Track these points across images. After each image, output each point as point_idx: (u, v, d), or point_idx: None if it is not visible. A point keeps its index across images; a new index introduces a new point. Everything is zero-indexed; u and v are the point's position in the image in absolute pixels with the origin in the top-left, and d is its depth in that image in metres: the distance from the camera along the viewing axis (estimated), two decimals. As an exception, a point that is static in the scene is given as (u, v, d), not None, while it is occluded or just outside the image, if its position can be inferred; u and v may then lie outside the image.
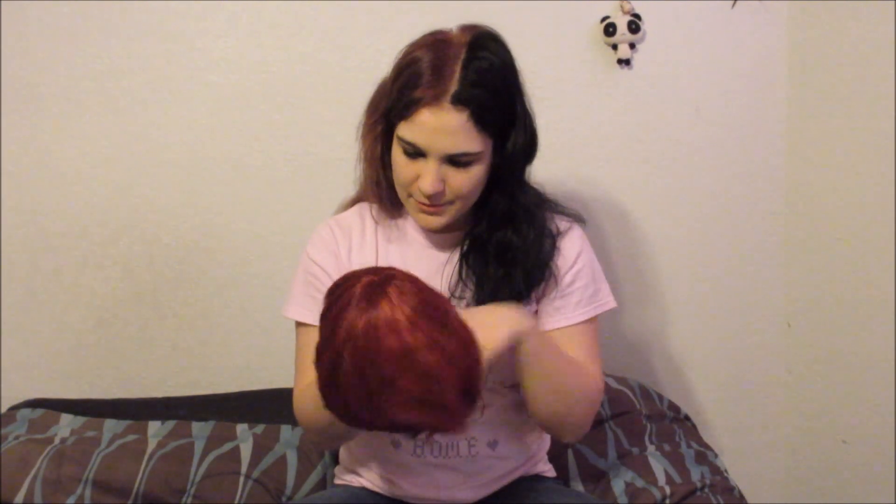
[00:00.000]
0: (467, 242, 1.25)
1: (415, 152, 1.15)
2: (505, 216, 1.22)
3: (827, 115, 1.81)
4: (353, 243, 1.28)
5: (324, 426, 1.16)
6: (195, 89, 1.76)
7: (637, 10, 1.78)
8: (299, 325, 1.26)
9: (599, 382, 1.26)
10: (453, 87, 1.11)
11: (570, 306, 1.25)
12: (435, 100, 1.10)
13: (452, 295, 1.23)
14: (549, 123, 1.78)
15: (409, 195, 1.19)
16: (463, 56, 1.12)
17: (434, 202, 1.17)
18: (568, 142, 1.83)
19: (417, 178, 1.16)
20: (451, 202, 1.18)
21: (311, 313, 1.23)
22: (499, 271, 1.22)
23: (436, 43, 1.15)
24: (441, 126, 1.11)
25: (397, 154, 1.18)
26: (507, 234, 1.22)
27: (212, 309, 1.83)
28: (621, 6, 1.78)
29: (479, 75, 1.12)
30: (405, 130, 1.14)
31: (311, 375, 1.15)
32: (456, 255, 1.26)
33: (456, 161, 1.14)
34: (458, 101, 1.10)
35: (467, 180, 1.16)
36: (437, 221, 1.20)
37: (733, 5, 1.83)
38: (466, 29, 1.17)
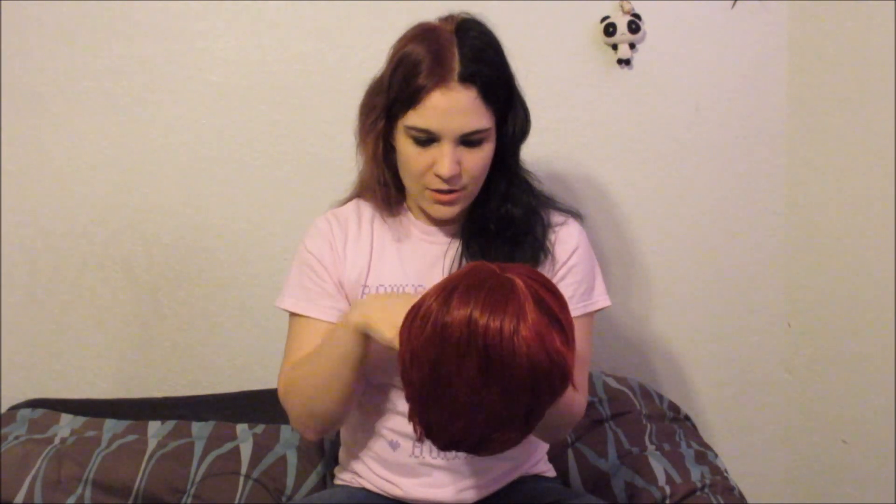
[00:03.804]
0: (469, 227, 1.26)
1: (427, 139, 1.16)
2: (505, 194, 1.25)
3: (827, 115, 1.81)
4: (350, 236, 1.29)
5: (305, 400, 1.18)
6: (195, 89, 1.76)
7: (637, 10, 1.78)
8: (292, 315, 1.27)
9: (578, 400, 1.23)
10: (456, 66, 1.13)
11: None
12: (443, 81, 1.12)
13: None
14: (549, 123, 1.80)
15: (424, 187, 1.20)
16: (455, 39, 1.15)
17: (452, 186, 1.18)
18: (568, 142, 1.83)
19: (431, 166, 1.17)
20: (465, 186, 1.19)
21: (305, 304, 1.25)
22: (501, 253, 1.23)
23: (424, 33, 1.17)
24: (452, 106, 1.13)
25: (406, 146, 1.18)
26: (508, 208, 1.24)
27: (212, 309, 1.83)
28: (621, 6, 1.78)
29: (477, 53, 1.15)
30: (415, 118, 1.15)
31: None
32: (454, 247, 1.27)
33: (468, 141, 1.16)
34: (465, 78, 1.13)
35: (480, 160, 1.18)
36: (451, 211, 1.21)
37: (733, 5, 1.83)
38: (448, 18, 1.20)
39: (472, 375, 0.95)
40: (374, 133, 1.22)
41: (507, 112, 1.21)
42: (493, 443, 1.02)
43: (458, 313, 0.95)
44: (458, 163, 1.16)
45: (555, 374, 0.96)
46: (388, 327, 1.05)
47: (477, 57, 1.14)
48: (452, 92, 1.13)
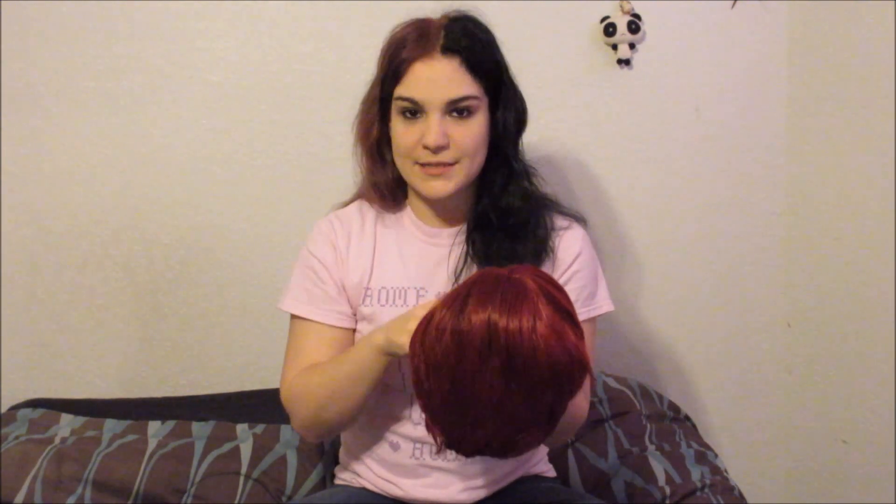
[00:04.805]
0: (471, 222, 1.26)
1: (414, 110, 1.18)
2: (504, 186, 1.25)
3: (827, 115, 1.81)
4: (353, 236, 1.29)
5: (315, 408, 1.19)
6: (195, 89, 1.76)
7: (637, 10, 1.78)
8: (294, 317, 1.27)
9: (581, 403, 1.23)
10: (440, 41, 1.17)
11: None
12: (425, 52, 1.16)
13: (457, 282, 1.23)
14: (549, 123, 1.80)
15: (414, 162, 1.20)
16: (445, 23, 1.19)
17: (441, 159, 1.18)
18: (568, 142, 1.83)
19: (420, 140, 1.18)
20: (457, 160, 1.20)
21: (307, 307, 1.25)
22: (503, 248, 1.23)
23: (416, 21, 1.21)
24: (435, 75, 1.16)
25: (397, 123, 1.20)
26: (509, 199, 1.25)
27: (212, 309, 1.83)
28: (621, 6, 1.78)
29: (464, 30, 1.18)
30: (401, 89, 1.18)
31: (306, 363, 1.22)
32: (457, 248, 1.26)
33: (456, 110, 1.17)
34: (448, 49, 1.17)
35: (469, 133, 1.19)
36: (443, 187, 1.21)
37: (733, 5, 1.83)
38: (443, 14, 1.23)
39: (495, 379, 0.96)
40: (370, 118, 1.25)
41: (499, 92, 1.22)
42: (517, 445, 1.03)
43: (477, 318, 0.95)
44: (446, 134, 1.17)
45: (575, 367, 0.97)
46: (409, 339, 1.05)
47: (462, 33, 1.18)
48: (434, 62, 1.16)
